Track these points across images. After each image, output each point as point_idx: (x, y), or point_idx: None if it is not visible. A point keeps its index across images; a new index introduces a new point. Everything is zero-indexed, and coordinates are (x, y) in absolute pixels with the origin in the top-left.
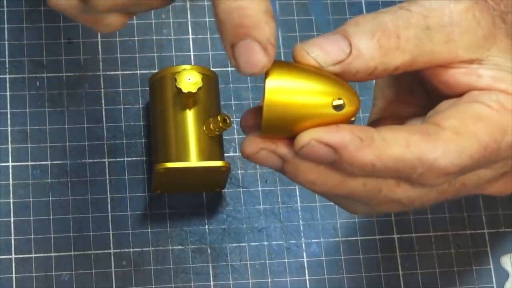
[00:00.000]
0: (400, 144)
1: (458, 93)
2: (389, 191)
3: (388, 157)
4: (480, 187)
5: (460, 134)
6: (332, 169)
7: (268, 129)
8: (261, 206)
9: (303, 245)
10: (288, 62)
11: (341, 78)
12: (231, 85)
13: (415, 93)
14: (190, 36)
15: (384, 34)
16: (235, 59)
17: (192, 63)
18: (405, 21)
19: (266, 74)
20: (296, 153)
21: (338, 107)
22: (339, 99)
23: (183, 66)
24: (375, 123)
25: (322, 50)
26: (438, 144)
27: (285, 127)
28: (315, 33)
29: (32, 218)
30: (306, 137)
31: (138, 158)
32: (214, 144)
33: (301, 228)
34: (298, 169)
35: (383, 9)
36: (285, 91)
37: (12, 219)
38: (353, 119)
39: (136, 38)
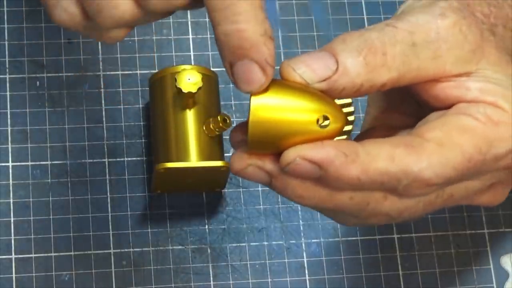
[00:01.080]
0: (384, 158)
1: (447, 106)
2: (377, 204)
3: (373, 171)
4: (468, 198)
5: (444, 145)
6: (319, 184)
7: (254, 145)
8: (261, 206)
9: (303, 245)
10: (274, 79)
11: (327, 95)
12: (231, 85)
13: (407, 103)
14: (190, 36)
15: (370, 51)
16: (233, 77)
17: (192, 63)
18: (391, 38)
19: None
20: (282, 169)
21: (323, 124)
22: (325, 116)
23: (183, 66)
24: (367, 132)
25: (309, 67)
26: (422, 156)
27: (271, 144)
28: (315, 33)
29: (32, 218)
30: (291, 155)
31: (138, 158)
32: (214, 144)
33: (301, 228)
34: (286, 184)
35: (370, 26)
36: (270, 108)
37: (12, 219)
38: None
39: (136, 38)
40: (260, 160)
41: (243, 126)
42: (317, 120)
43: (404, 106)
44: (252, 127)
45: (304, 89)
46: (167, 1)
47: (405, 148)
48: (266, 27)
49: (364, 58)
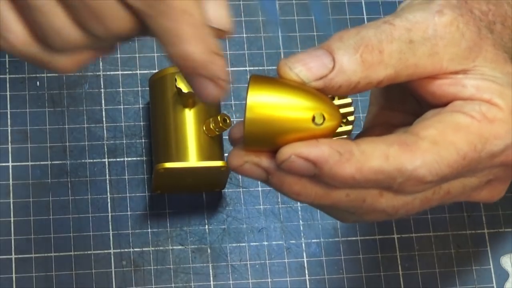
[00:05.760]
0: (378, 156)
1: (444, 103)
2: (373, 201)
3: (367, 170)
4: (465, 195)
5: (438, 143)
6: (315, 181)
7: (251, 142)
8: (261, 206)
9: (303, 245)
10: (271, 78)
11: (324, 92)
12: (231, 85)
13: (407, 101)
14: None
15: (367, 48)
16: (192, 88)
17: None
18: (388, 36)
19: (248, 89)
20: (278, 166)
21: (318, 122)
22: (320, 114)
23: None
24: (367, 131)
25: (305, 66)
26: (417, 154)
27: (267, 141)
28: (315, 33)
29: (32, 218)
30: (286, 152)
31: (138, 158)
32: (214, 144)
33: (301, 228)
34: (282, 181)
35: (367, 23)
36: (266, 105)
37: (12, 219)
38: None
39: (136, 38)
40: (256, 157)
41: (242, 124)
42: (313, 118)
43: (405, 105)
44: (249, 124)
45: (300, 87)
46: (105, 29)
47: (399, 146)
48: (210, 44)
49: (360, 56)
